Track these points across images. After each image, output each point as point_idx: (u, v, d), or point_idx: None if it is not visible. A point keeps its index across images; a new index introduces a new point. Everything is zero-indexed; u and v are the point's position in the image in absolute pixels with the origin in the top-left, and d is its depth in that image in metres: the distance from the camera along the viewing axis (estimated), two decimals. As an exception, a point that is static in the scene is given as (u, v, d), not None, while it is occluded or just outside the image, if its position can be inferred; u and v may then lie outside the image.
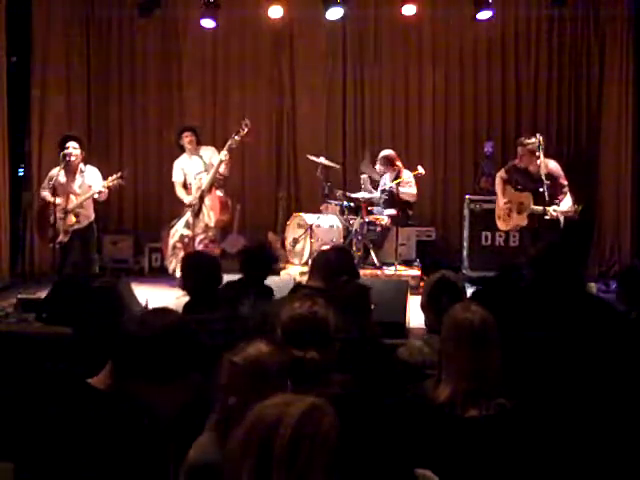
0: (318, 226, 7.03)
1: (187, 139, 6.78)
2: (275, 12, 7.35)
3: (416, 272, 6.84)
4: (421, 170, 6.97)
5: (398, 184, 6.96)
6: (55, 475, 1.63)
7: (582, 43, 7.93)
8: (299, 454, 1.24)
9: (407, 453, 1.97)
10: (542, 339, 2.85)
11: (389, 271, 6.75)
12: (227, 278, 3.74)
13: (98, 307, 3.82)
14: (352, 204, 7.09)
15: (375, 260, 6.81)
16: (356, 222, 6.91)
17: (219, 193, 6.69)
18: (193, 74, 8.52)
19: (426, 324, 3.07)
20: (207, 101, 8.59)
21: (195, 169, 6.75)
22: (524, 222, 6.15)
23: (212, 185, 6.61)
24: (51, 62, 7.86)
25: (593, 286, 6.31)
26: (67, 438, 1.64)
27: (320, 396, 1.40)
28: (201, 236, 6.60)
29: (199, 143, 6.87)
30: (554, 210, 5.79)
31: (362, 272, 5.76)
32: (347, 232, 7.06)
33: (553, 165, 6.11)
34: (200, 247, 6.50)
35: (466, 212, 7.57)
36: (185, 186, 6.83)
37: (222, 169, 6.60)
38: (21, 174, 7.93)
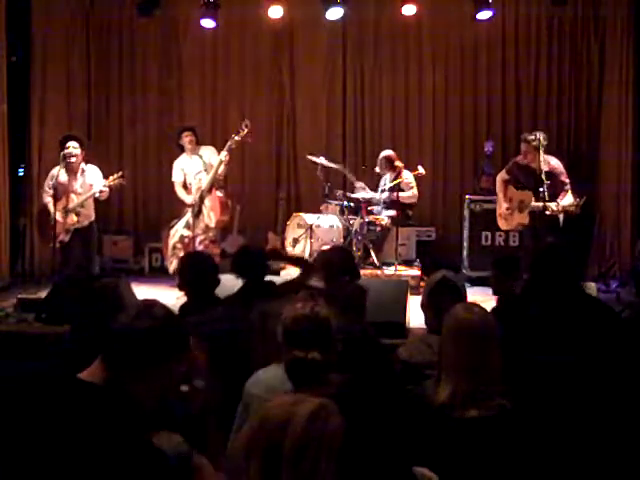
0: (318, 226, 7.03)
1: (187, 139, 6.78)
2: (275, 12, 7.36)
3: (416, 272, 6.84)
4: (421, 170, 6.98)
5: (398, 184, 6.97)
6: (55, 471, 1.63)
7: (582, 43, 7.92)
8: (307, 454, 1.24)
9: (407, 453, 1.97)
10: (541, 341, 2.85)
11: (389, 271, 6.74)
12: (227, 278, 3.73)
13: (98, 307, 3.82)
14: (352, 204, 7.10)
15: (375, 260, 6.81)
16: (356, 222, 6.91)
17: (219, 194, 6.69)
18: (193, 74, 8.51)
19: (426, 324, 3.07)
20: (207, 101, 8.59)
21: (195, 169, 6.75)
22: (526, 220, 6.14)
23: (212, 186, 6.60)
24: (51, 62, 7.86)
25: (593, 286, 6.31)
26: (66, 436, 1.65)
27: (321, 396, 1.41)
28: (201, 237, 6.60)
29: (199, 143, 6.87)
30: (555, 205, 5.79)
31: (362, 272, 5.76)
32: (347, 232, 7.06)
33: (555, 162, 6.12)
34: (200, 247, 6.49)
35: (466, 212, 7.56)
36: (185, 186, 6.83)
37: (221, 169, 6.60)
38: (21, 174, 7.93)
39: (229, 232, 7.73)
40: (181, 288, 3.59)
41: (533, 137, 6.04)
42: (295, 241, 7.11)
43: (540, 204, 5.84)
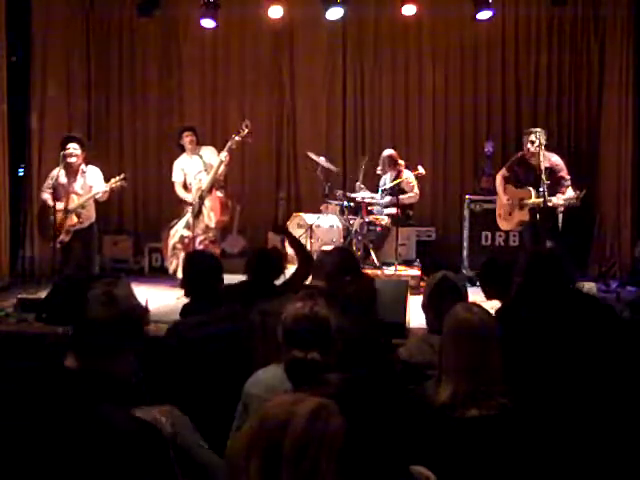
0: (318, 226, 7.03)
1: (187, 139, 6.78)
2: (275, 12, 7.36)
3: (416, 272, 6.84)
4: (421, 170, 6.98)
5: (398, 184, 6.97)
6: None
7: (582, 43, 7.92)
8: (308, 454, 1.24)
9: (407, 453, 1.97)
10: (540, 338, 2.85)
11: (389, 271, 6.74)
12: (227, 278, 3.72)
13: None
14: (352, 204, 7.10)
15: (375, 260, 6.81)
16: (356, 222, 6.91)
17: (219, 194, 6.69)
18: (193, 74, 8.52)
19: (427, 324, 3.07)
20: (207, 101, 8.60)
21: (195, 169, 6.74)
22: (526, 217, 6.14)
23: (212, 186, 6.60)
24: (51, 62, 7.86)
25: (593, 286, 6.31)
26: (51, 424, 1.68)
27: (321, 396, 1.41)
28: (201, 237, 6.59)
29: (199, 143, 6.87)
30: (557, 198, 5.81)
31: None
32: (347, 232, 7.07)
33: (555, 159, 6.13)
34: (200, 248, 6.49)
35: (466, 212, 7.56)
36: (185, 186, 6.82)
37: (221, 170, 6.60)
38: (21, 174, 7.93)
39: (229, 232, 7.73)
40: (183, 287, 3.58)
41: (534, 139, 6.04)
42: (295, 241, 7.10)
43: (540, 200, 5.86)
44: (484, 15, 7.08)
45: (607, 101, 7.75)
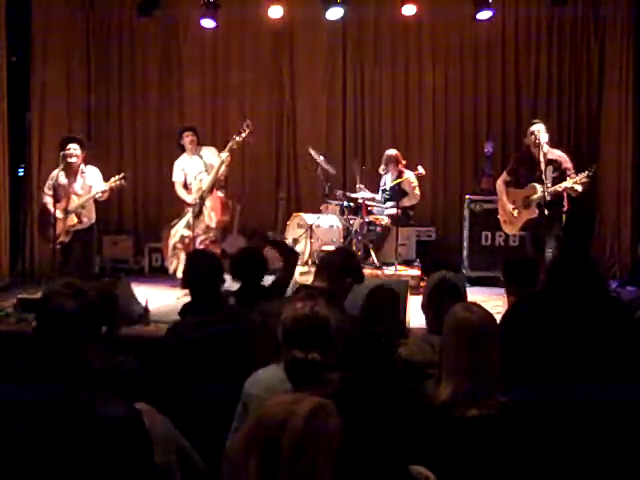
0: (318, 226, 7.03)
1: (188, 139, 6.78)
2: (275, 12, 7.36)
3: (416, 272, 6.84)
4: (421, 170, 6.98)
5: (399, 184, 6.97)
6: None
7: (582, 43, 7.92)
8: (306, 453, 1.24)
9: (407, 453, 1.97)
10: (551, 338, 2.83)
11: (389, 271, 6.74)
12: (227, 278, 3.72)
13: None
14: (352, 204, 7.10)
15: (375, 260, 6.81)
16: (356, 222, 6.91)
17: (220, 194, 6.69)
18: (193, 74, 8.51)
19: (427, 325, 3.07)
20: (207, 101, 8.59)
21: (195, 169, 6.74)
22: (535, 214, 6.01)
23: (213, 186, 6.60)
24: (51, 62, 7.86)
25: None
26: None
27: (321, 396, 1.41)
28: (202, 237, 6.59)
29: (199, 143, 6.87)
30: (567, 182, 5.75)
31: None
32: (347, 232, 7.07)
33: (559, 152, 6.10)
34: (201, 248, 6.49)
35: (466, 212, 7.56)
36: (185, 186, 6.82)
37: (222, 170, 6.60)
38: (21, 174, 7.93)
39: (229, 232, 7.73)
40: (184, 287, 3.57)
41: (537, 129, 6.00)
42: (295, 241, 7.10)
43: (546, 193, 5.76)
44: (484, 15, 7.08)
45: (607, 101, 7.74)
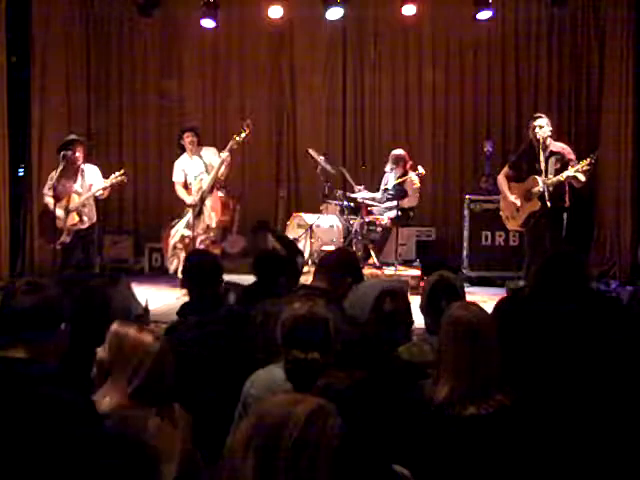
0: (318, 226, 7.03)
1: (188, 139, 6.77)
2: (275, 12, 7.36)
3: (416, 272, 6.85)
4: (421, 170, 6.97)
5: (400, 184, 6.96)
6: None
7: (582, 43, 7.92)
8: (304, 454, 1.24)
9: (406, 452, 1.97)
10: (545, 334, 2.83)
11: (389, 271, 6.74)
12: (227, 278, 3.72)
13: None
14: (352, 204, 7.10)
15: (375, 260, 6.81)
16: (356, 222, 6.91)
17: (220, 194, 6.69)
18: (193, 74, 8.52)
19: (426, 325, 3.06)
20: (207, 101, 8.60)
21: (196, 170, 6.74)
22: (537, 206, 5.96)
23: (213, 186, 6.60)
24: (51, 62, 7.86)
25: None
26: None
27: (320, 395, 1.41)
28: (202, 237, 6.59)
29: (200, 144, 6.87)
30: (568, 171, 5.74)
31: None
32: (347, 232, 7.07)
33: (562, 144, 6.08)
34: (201, 247, 6.49)
35: (466, 212, 7.56)
36: (185, 186, 6.82)
37: (222, 170, 6.59)
38: (21, 174, 7.93)
39: (229, 232, 7.73)
40: (183, 287, 3.57)
41: (542, 123, 5.97)
42: (295, 241, 7.10)
43: (547, 183, 5.76)
44: (484, 15, 7.09)
45: (607, 101, 7.73)
